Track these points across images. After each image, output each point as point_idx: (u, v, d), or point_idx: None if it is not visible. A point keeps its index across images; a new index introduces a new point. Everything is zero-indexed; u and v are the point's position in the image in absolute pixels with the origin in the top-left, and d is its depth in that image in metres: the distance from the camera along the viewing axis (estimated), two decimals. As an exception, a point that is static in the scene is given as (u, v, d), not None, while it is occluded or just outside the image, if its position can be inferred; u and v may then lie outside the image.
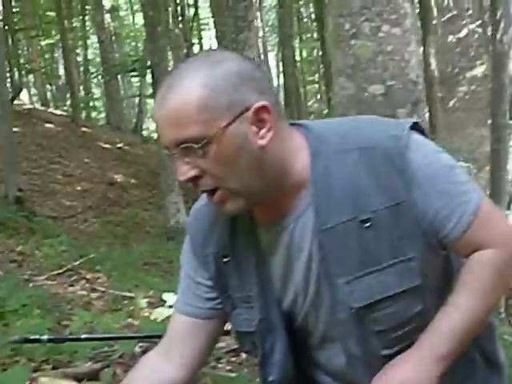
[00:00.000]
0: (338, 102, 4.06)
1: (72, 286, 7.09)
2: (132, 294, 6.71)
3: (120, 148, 21.72)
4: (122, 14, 40.17)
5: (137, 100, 31.32)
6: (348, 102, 3.92)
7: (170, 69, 14.37)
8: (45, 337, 2.73)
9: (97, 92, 40.69)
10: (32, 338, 2.70)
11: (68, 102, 28.24)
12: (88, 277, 7.70)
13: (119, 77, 30.01)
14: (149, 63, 18.54)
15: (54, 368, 3.08)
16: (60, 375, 2.83)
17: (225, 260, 1.63)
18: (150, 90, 25.64)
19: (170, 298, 5.34)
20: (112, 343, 3.50)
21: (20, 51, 30.64)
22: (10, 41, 23.74)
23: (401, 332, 1.55)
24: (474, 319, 1.54)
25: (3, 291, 5.11)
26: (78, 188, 16.36)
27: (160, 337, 2.91)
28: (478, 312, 1.56)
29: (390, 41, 3.80)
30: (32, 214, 11.72)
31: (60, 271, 7.56)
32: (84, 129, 22.57)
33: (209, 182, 1.44)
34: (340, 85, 3.97)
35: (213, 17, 16.08)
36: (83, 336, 2.96)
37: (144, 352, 3.13)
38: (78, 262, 7.22)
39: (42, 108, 26.53)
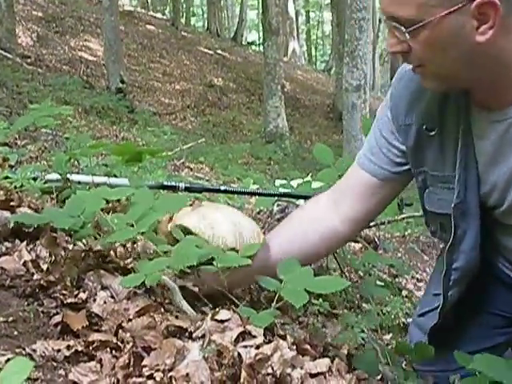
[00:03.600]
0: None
1: (176, 171, 7.06)
2: (236, 185, 6.63)
3: (219, 54, 21.59)
4: None
5: (237, 10, 31.01)
6: None
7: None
8: (182, 184, 2.54)
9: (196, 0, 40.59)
10: (169, 184, 2.53)
11: (167, 8, 28.17)
12: (191, 166, 7.70)
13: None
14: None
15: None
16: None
17: (430, 134, 1.54)
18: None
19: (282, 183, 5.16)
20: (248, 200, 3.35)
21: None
22: None
23: None
24: None
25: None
26: (178, 87, 16.40)
27: (300, 197, 2.76)
28: None
29: None
30: (132, 107, 11.80)
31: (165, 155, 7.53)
32: (184, 33, 22.59)
33: (413, 59, 1.38)
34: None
35: None
36: (222, 188, 2.78)
37: (282, 211, 2.96)
38: (184, 147, 7.09)
39: (143, 11, 26.53)
